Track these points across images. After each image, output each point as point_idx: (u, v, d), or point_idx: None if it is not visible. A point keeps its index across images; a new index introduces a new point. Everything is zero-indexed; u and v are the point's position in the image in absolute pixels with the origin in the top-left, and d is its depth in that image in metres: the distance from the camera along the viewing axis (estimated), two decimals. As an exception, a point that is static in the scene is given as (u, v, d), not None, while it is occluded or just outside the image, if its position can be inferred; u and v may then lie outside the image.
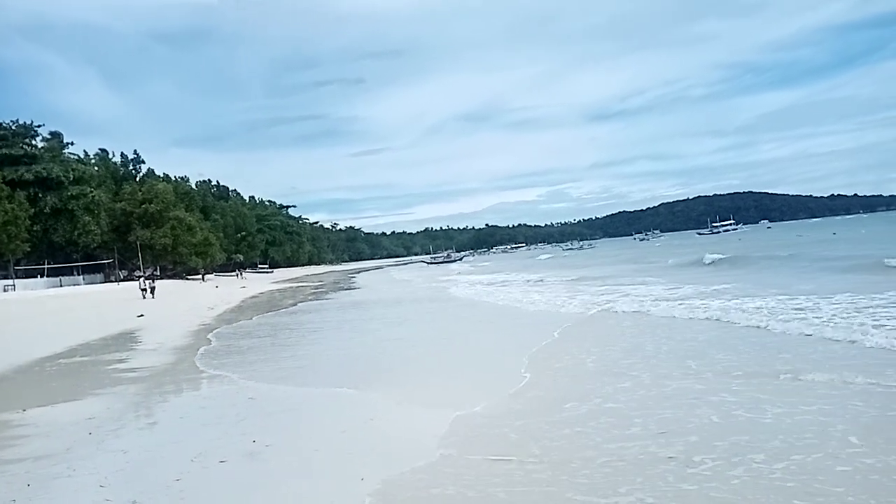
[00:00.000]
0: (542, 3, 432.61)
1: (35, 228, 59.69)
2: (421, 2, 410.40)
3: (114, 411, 9.14)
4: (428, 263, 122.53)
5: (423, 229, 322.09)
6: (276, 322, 23.53)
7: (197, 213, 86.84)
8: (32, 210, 59.48)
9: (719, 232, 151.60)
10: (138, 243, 69.04)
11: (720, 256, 39.57)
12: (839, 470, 5.17)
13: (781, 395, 7.48)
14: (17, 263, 60.41)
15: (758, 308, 14.90)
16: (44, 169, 62.19)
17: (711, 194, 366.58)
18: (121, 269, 72.02)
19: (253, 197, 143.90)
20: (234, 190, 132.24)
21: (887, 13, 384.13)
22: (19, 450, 7.28)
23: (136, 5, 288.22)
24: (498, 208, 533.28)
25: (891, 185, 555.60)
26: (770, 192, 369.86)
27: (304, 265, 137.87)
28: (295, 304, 33.31)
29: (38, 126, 68.57)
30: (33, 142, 67.69)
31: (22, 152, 63.51)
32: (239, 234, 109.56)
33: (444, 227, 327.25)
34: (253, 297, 43.31)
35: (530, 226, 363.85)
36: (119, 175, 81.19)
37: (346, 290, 47.88)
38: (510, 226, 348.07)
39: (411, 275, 69.59)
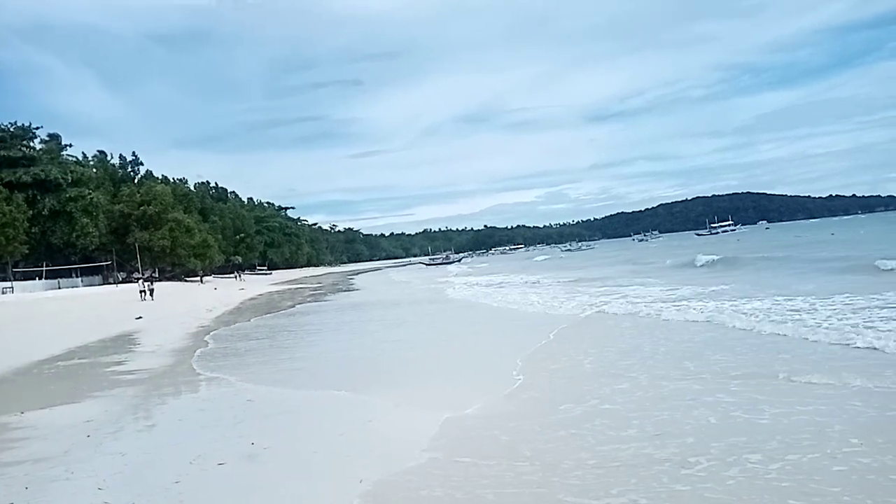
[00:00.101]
0: (540, 3, 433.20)
1: (33, 230, 59.61)
2: (418, 3, 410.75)
3: (112, 414, 9.14)
4: (427, 265, 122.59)
5: (421, 230, 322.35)
6: (274, 324, 23.53)
7: (195, 214, 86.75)
8: (31, 212, 59.38)
9: (718, 233, 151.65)
10: (137, 245, 68.99)
11: (713, 258, 39.61)
12: (836, 470, 5.20)
13: (778, 396, 7.50)
14: (16, 266, 60.34)
15: (753, 309, 14.90)
16: (42, 171, 62.12)
17: (710, 195, 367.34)
18: (119, 271, 71.93)
19: (251, 198, 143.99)
20: (233, 191, 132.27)
21: (885, 14, 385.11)
22: (17, 452, 7.29)
23: (134, 7, 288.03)
24: (496, 209, 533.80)
25: (888, 185, 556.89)
26: (768, 192, 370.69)
27: (302, 267, 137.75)
28: (293, 306, 33.31)
29: (37, 128, 68.54)
30: (31, 144, 67.56)
31: (20, 154, 63.41)
32: (237, 236, 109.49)
33: (442, 229, 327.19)
34: (251, 298, 43.29)
35: (529, 227, 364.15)
36: (117, 177, 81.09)
37: (345, 291, 47.89)
38: (509, 227, 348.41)
39: (409, 276, 69.68)
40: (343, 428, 7.54)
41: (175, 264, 78.05)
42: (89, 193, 64.77)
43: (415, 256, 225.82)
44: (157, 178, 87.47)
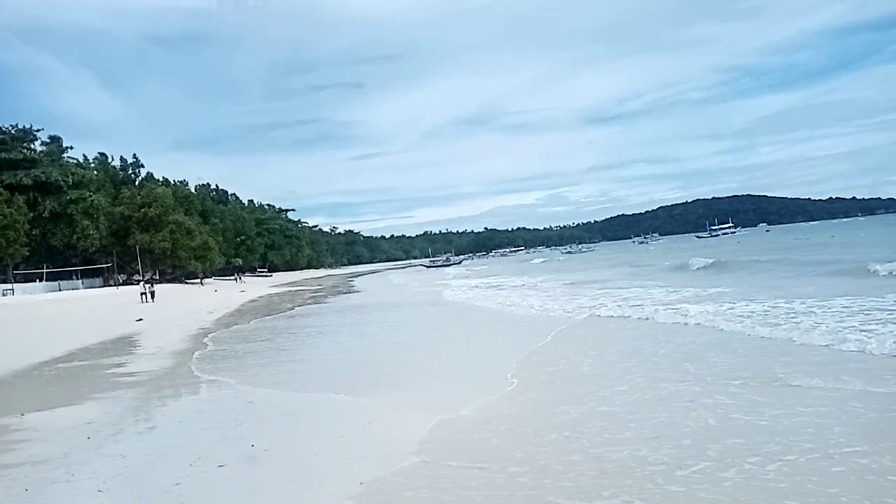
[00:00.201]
0: (539, 6, 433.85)
1: (34, 233, 59.64)
2: (418, 6, 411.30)
3: (112, 416, 9.15)
4: (427, 267, 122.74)
5: (422, 233, 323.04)
6: (274, 326, 23.54)
7: (196, 216, 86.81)
8: (31, 214, 59.43)
9: (718, 235, 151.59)
10: (137, 247, 69.02)
11: (708, 261, 39.63)
12: (834, 471, 5.20)
13: (778, 398, 7.50)
14: (16, 268, 60.38)
15: (750, 312, 14.88)
16: (42, 173, 62.18)
17: (710, 197, 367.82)
18: (120, 274, 71.98)
19: (252, 201, 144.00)
20: (234, 194, 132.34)
21: (884, 17, 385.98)
22: (18, 454, 7.30)
23: (134, 8, 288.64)
24: (496, 212, 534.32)
25: (888, 188, 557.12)
26: (768, 195, 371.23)
27: (303, 269, 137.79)
28: (293, 308, 33.32)
29: (37, 130, 68.62)
30: (32, 146, 67.64)
31: (21, 156, 63.46)
32: (238, 238, 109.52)
33: (443, 231, 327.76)
34: (252, 300, 43.31)
35: (529, 229, 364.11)
36: (118, 179, 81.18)
37: (345, 293, 47.91)
38: (509, 229, 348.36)
39: (408, 279, 69.77)
40: (343, 430, 7.54)
41: (176, 266, 78.09)
42: (90, 195, 64.83)
43: (415, 258, 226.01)
44: (158, 180, 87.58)
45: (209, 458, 6.56)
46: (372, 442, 7.01)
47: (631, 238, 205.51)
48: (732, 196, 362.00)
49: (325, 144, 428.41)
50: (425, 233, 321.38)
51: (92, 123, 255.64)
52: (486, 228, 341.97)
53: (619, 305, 19.61)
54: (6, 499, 5.78)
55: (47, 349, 18.08)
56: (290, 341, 18.53)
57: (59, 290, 57.35)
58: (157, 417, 9.30)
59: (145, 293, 42.80)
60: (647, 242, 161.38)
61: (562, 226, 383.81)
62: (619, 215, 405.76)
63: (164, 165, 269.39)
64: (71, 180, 63.80)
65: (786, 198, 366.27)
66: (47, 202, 62.07)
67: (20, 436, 8.22)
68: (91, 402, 10.29)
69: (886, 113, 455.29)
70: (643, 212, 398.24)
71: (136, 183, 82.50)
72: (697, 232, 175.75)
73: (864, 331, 10.98)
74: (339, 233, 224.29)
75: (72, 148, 73.92)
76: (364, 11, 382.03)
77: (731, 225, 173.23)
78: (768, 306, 15.56)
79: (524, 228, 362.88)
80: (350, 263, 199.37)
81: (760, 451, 5.75)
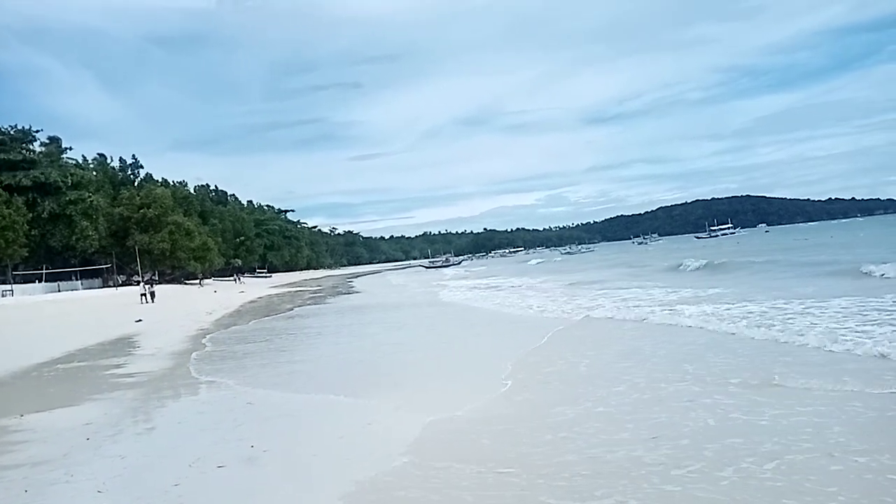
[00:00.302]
0: (539, 6, 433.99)
1: (33, 233, 59.62)
2: (418, 6, 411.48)
3: (112, 417, 9.15)
4: (426, 268, 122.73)
5: (421, 233, 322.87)
6: (273, 327, 23.55)
7: (195, 217, 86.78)
8: (30, 215, 59.40)
9: (717, 235, 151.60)
10: (136, 248, 69.00)
11: (702, 262, 39.68)
12: (833, 469, 5.22)
13: (776, 397, 7.51)
14: (15, 269, 60.36)
15: (746, 313, 14.88)
16: (42, 174, 62.17)
17: (709, 198, 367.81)
18: (119, 274, 71.96)
19: (251, 201, 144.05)
20: (233, 194, 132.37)
21: (884, 17, 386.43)
22: (17, 456, 7.29)
23: (134, 9, 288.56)
24: (496, 212, 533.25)
25: (887, 188, 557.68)
26: (767, 195, 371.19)
27: (302, 270, 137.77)
28: (293, 309, 33.32)
29: (37, 131, 68.58)
30: (31, 147, 67.64)
31: (20, 157, 63.46)
32: (237, 239, 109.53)
33: (442, 231, 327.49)
34: (251, 301, 43.30)
35: (528, 230, 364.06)
36: (117, 180, 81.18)
37: (345, 294, 47.91)
38: (508, 230, 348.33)
39: (407, 279, 69.84)
40: (343, 431, 7.55)
41: (175, 267, 78.07)
42: (89, 196, 64.81)
43: (414, 259, 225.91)
44: (157, 180, 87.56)
45: (208, 459, 6.56)
46: (372, 442, 7.01)
47: (630, 239, 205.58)
48: (732, 196, 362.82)
49: (324, 145, 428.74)
50: (425, 233, 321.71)
51: (91, 124, 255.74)
52: (485, 229, 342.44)
53: (616, 306, 19.60)
54: (5, 500, 5.78)
55: (46, 350, 18.07)
56: (289, 342, 18.53)
57: (59, 290, 57.35)
58: (156, 418, 9.30)
59: (145, 294, 42.81)
60: (646, 243, 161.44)
61: (561, 226, 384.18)
62: (618, 216, 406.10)
63: (163, 166, 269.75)
64: (70, 181, 63.79)
65: (785, 198, 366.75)
66: (46, 203, 62.05)
67: (19, 437, 8.22)
68: (90, 403, 10.29)
69: (886, 113, 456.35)
70: (643, 212, 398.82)
71: (136, 184, 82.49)
72: (697, 232, 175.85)
73: (861, 332, 10.99)
74: (339, 233, 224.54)
75: (71, 149, 74.01)
76: (364, 11, 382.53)
77: (730, 225, 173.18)
78: (767, 307, 15.56)
79: (524, 229, 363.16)
80: (349, 264, 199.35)
81: (758, 450, 5.76)
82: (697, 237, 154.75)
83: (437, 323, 21.57)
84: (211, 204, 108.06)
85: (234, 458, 6.60)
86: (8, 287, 53.54)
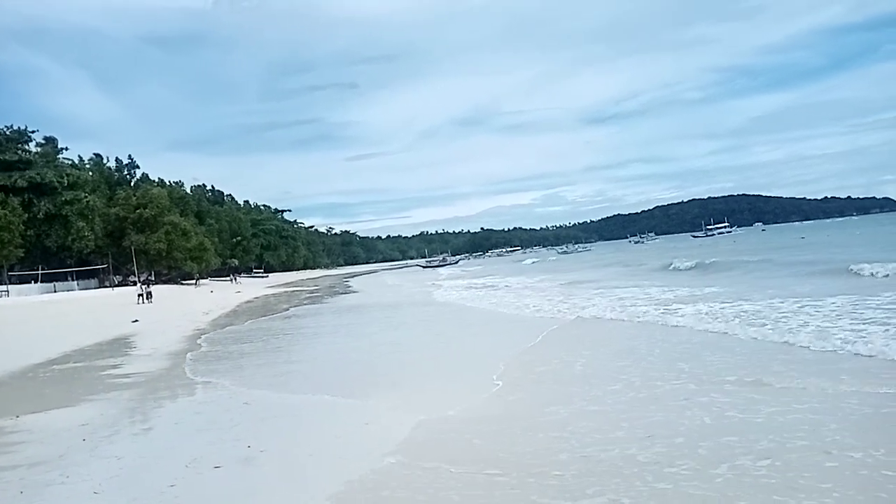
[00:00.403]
0: (537, 6, 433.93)
1: (29, 234, 59.42)
2: (415, 6, 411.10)
3: (108, 417, 9.14)
4: (423, 267, 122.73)
5: (418, 233, 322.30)
6: (270, 327, 23.53)
7: (192, 217, 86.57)
8: (26, 216, 59.20)
9: (713, 234, 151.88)
10: (133, 248, 68.81)
11: (697, 262, 39.77)
12: (828, 465, 5.24)
13: (773, 395, 7.53)
14: (11, 269, 60.17)
15: (744, 312, 14.94)
16: (38, 174, 61.91)
17: (706, 197, 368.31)
18: (115, 275, 71.78)
19: (248, 201, 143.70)
20: (229, 194, 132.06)
21: (880, 16, 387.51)
22: (13, 457, 7.28)
23: (130, 9, 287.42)
24: (493, 212, 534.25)
25: (883, 187, 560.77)
26: (764, 194, 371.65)
27: (299, 269, 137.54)
28: (289, 309, 33.30)
29: (32, 131, 68.26)
30: (27, 147, 67.40)
31: (16, 158, 63.18)
32: (234, 239, 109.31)
33: (439, 231, 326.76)
34: (248, 301, 43.26)
35: (526, 229, 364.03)
36: (113, 180, 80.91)
37: (341, 294, 47.89)
38: (506, 229, 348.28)
39: (403, 279, 69.93)
40: (340, 430, 7.55)
41: (171, 267, 77.88)
42: (85, 197, 64.61)
43: (411, 259, 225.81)
44: (154, 181, 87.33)
45: (205, 460, 6.56)
46: (369, 442, 7.00)
47: (627, 238, 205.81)
48: (728, 196, 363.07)
49: (321, 145, 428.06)
50: (422, 233, 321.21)
51: (87, 124, 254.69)
52: (482, 228, 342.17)
53: (611, 306, 19.66)
54: (2, 501, 5.77)
55: (42, 350, 18.03)
56: (286, 342, 18.53)
57: (55, 291, 57.15)
58: (152, 419, 9.29)
59: (142, 294, 42.71)
60: (642, 242, 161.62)
61: (558, 225, 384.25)
62: (615, 215, 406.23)
63: (159, 166, 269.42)
64: (66, 181, 63.56)
65: (781, 197, 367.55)
66: (42, 203, 61.83)
67: (15, 438, 8.21)
68: (86, 404, 10.27)
69: (882, 112, 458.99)
70: (639, 211, 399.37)
71: (132, 184, 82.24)
72: (693, 231, 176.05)
73: (855, 331, 11.02)
74: (336, 233, 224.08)
75: (67, 149, 73.70)
76: (361, 12, 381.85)
77: (726, 224, 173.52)
78: (762, 306, 15.62)
79: (521, 228, 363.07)
80: (346, 264, 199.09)
81: (754, 448, 5.78)
82: (694, 236, 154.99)
83: (432, 323, 21.58)
84: (207, 204, 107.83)
85: (230, 459, 6.59)
86: (4, 288, 53.39)
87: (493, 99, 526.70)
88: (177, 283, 76.43)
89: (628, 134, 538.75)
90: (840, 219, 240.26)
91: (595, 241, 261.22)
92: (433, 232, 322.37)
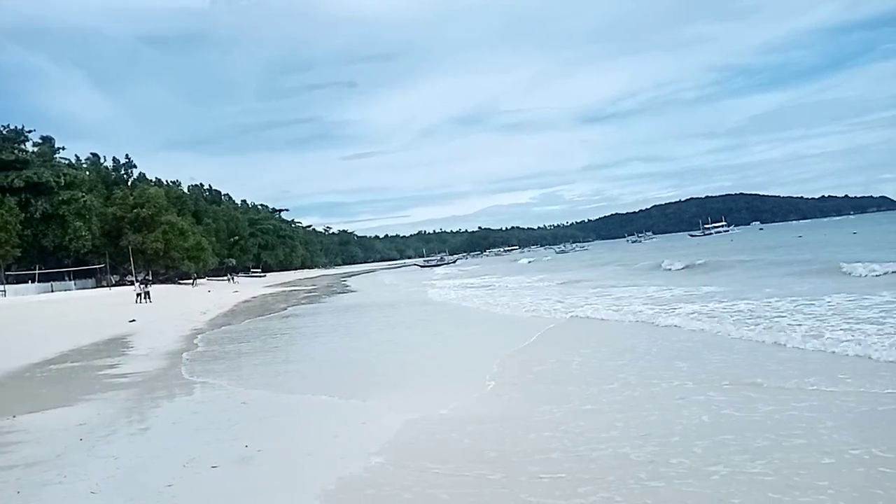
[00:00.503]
0: (535, 5, 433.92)
1: (26, 234, 59.30)
2: (414, 5, 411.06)
3: (105, 417, 9.13)
4: (421, 267, 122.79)
5: (416, 232, 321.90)
6: (268, 326, 23.52)
7: (189, 217, 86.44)
8: (23, 215, 59.08)
9: (711, 233, 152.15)
10: (130, 248, 68.72)
11: (689, 262, 39.81)
12: (825, 462, 5.26)
13: (770, 393, 7.55)
14: (8, 269, 60.04)
15: (741, 311, 14.98)
16: (34, 174, 61.78)
17: (703, 196, 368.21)
18: (112, 274, 71.68)
19: (245, 201, 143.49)
20: (227, 194, 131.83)
21: (877, 16, 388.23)
22: (10, 456, 7.27)
23: (128, 9, 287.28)
24: (491, 211, 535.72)
25: (880, 186, 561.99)
26: (761, 193, 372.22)
27: (297, 269, 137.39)
28: (286, 308, 33.28)
29: (29, 131, 68.14)
30: (24, 147, 67.26)
31: (13, 157, 63.06)
32: (231, 239, 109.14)
33: (437, 230, 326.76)
34: (245, 301, 43.21)
35: (523, 228, 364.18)
36: (110, 179, 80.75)
37: (339, 293, 47.87)
38: (503, 228, 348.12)
39: (400, 279, 69.99)
40: (338, 430, 7.55)
41: (168, 267, 77.79)
42: (82, 196, 64.48)
43: (409, 258, 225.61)
44: (151, 180, 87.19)
45: (202, 459, 6.56)
46: (367, 443, 7.00)
47: (625, 237, 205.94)
48: (726, 195, 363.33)
49: (319, 144, 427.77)
50: (420, 232, 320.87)
51: (84, 124, 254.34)
52: (480, 228, 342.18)
53: (607, 305, 19.70)
54: (-2, 501, 5.77)
55: (39, 350, 18.00)
56: (283, 341, 18.53)
57: (52, 291, 57.04)
58: (149, 418, 9.27)
59: (141, 294, 42.60)
60: (640, 241, 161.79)
61: (556, 225, 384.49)
62: (613, 214, 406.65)
63: (156, 166, 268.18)
64: (63, 181, 63.42)
65: (779, 196, 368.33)
66: (39, 203, 61.70)
67: (12, 438, 8.20)
68: (83, 404, 10.26)
69: (879, 111, 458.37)
70: (637, 210, 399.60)
71: (129, 183, 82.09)
72: (691, 230, 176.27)
73: (854, 330, 11.05)
74: (333, 233, 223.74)
75: (63, 149, 73.57)
76: (359, 10, 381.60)
77: (724, 223, 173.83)
78: (759, 305, 15.65)
79: (518, 227, 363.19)
80: (344, 263, 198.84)
81: (750, 446, 5.79)
82: (691, 235, 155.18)
83: (428, 322, 21.59)
84: (205, 203, 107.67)
85: (228, 459, 6.59)
86: (1, 288, 53.28)
87: (491, 98, 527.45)
88: (174, 282, 76.33)
89: (626, 133, 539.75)
90: (837, 218, 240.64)
91: (593, 241, 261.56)
92: (431, 231, 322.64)
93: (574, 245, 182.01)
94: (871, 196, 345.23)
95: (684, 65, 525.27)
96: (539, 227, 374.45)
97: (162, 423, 8.86)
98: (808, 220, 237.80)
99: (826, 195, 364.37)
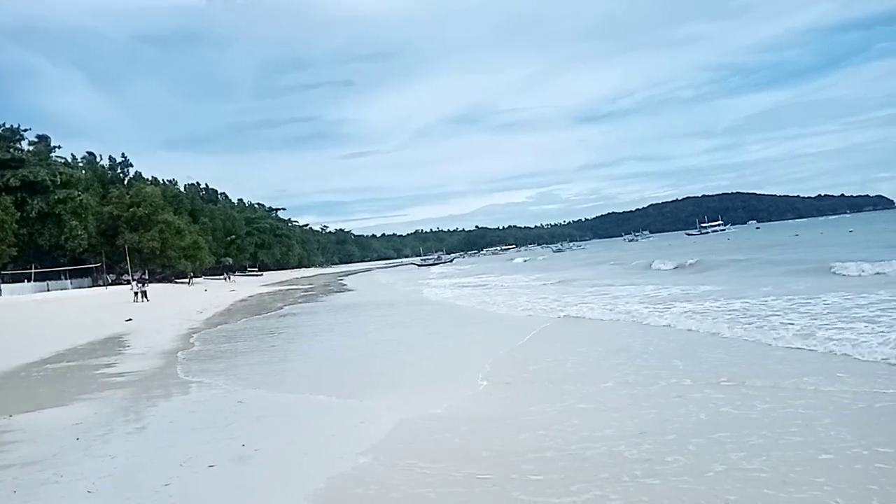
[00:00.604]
0: (531, 5, 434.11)
1: (21, 233, 59.13)
2: (411, 4, 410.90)
3: (101, 416, 9.11)
4: (418, 266, 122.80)
5: (413, 231, 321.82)
6: (264, 325, 23.49)
7: (185, 216, 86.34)
8: (19, 214, 58.88)
9: (707, 233, 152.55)
10: (126, 247, 68.59)
11: (687, 260, 39.88)
12: (822, 459, 5.28)
13: (769, 391, 7.56)
14: (4, 268, 59.77)
15: (738, 310, 15.00)
16: (30, 173, 61.63)
17: (700, 195, 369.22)
18: (109, 274, 71.51)
19: (242, 200, 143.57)
20: (223, 193, 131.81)
21: (872, 15, 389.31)
22: (6, 456, 7.26)
23: (124, 8, 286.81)
24: (488, 210, 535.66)
25: (876, 185, 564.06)
26: (758, 192, 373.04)
27: (293, 268, 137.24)
28: (283, 307, 33.25)
29: (25, 130, 68.01)
30: (20, 145, 67.07)
31: (8, 156, 62.89)
32: (228, 238, 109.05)
33: (434, 230, 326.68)
34: (242, 300, 43.15)
35: (520, 227, 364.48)
36: (107, 178, 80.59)
37: (336, 293, 47.84)
38: (500, 227, 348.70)
39: (396, 278, 70.05)
40: (335, 429, 7.54)
41: (165, 266, 77.65)
42: (78, 195, 64.33)
43: (406, 257, 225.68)
44: (147, 179, 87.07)
45: (199, 458, 6.55)
46: (364, 443, 7.00)
47: (622, 236, 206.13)
48: (722, 194, 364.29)
49: (316, 143, 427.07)
50: (416, 231, 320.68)
51: (81, 123, 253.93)
52: (477, 227, 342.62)
53: (602, 304, 19.72)
54: (-6, 500, 5.75)
55: (35, 350, 17.95)
56: (280, 340, 18.51)
57: (48, 290, 56.91)
58: (146, 418, 9.26)
59: (138, 293, 42.48)
60: (636, 240, 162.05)
61: (553, 224, 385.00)
62: (609, 213, 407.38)
63: (153, 165, 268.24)
64: (59, 180, 63.27)
65: (775, 195, 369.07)
66: (35, 202, 61.54)
67: (8, 437, 8.18)
68: (80, 403, 10.24)
69: (875, 110, 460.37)
70: (634, 209, 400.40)
71: (125, 182, 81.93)
72: (688, 230, 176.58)
73: (847, 330, 11.07)
74: (330, 232, 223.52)
75: (60, 147, 73.43)
76: (357, 9, 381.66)
77: (720, 222, 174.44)
78: (755, 303, 15.68)
79: (515, 227, 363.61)
80: (341, 262, 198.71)
81: (747, 443, 5.80)
82: (688, 234, 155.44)
83: (424, 321, 21.57)
84: (201, 202, 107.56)
85: (225, 458, 6.58)
86: (-4, 287, 53.15)
87: (487, 97, 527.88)
88: (171, 281, 76.21)
89: (623, 132, 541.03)
90: (833, 216, 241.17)
91: (589, 240, 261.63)
92: (428, 230, 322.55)
93: (571, 244, 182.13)
94: (868, 195, 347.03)
95: (680, 64, 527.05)
96: (536, 227, 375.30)
97: (159, 423, 8.84)
98: (805, 219, 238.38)
99: (822, 194, 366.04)
